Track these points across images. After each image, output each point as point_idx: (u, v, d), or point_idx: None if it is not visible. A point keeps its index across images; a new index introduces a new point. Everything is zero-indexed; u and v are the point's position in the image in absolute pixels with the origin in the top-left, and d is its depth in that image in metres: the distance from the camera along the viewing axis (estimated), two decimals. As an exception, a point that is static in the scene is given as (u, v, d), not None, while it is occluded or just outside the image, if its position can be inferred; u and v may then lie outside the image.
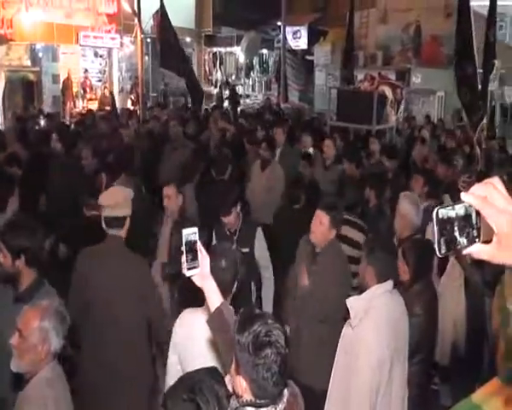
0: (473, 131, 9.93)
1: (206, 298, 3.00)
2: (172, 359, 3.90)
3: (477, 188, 1.41)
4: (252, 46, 28.69)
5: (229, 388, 2.61)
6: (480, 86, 10.06)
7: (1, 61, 20.07)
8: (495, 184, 1.41)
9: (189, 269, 2.82)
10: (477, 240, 1.42)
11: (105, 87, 24.06)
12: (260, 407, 2.45)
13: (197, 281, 2.92)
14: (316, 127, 15.03)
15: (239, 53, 29.53)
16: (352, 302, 4.08)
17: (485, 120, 10.43)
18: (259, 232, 6.18)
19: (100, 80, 24.66)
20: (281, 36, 26.14)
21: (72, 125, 14.58)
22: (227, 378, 2.68)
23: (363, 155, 10.09)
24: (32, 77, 21.38)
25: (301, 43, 28.72)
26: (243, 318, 2.47)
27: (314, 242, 5.15)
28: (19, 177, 7.62)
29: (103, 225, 4.81)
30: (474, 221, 1.41)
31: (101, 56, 24.58)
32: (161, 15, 13.88)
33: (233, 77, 30.51)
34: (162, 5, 13.71)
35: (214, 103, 23.92)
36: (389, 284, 4.16)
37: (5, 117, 19.52)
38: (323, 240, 5.10)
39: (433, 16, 21.90)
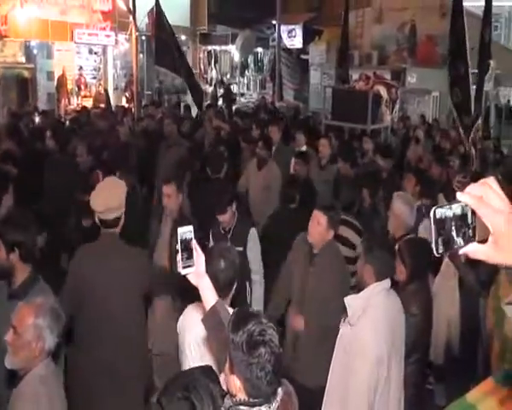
0: (463, 132, 9.93)
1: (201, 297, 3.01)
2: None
3: (473, 188, 1.42)
4: (247, 45, 28.62)
5: (224, 387, 2.61)
6: (473, 87, 10.07)
7: (-5, 58, 20.04)
8: (490, 184, 1.42)
9: (184, 267, 2.81)
10: (472, 240, 1.43)
11: (100, 84, 24.00)
12: (254, 406, 2.45)
13: (192, 279, 2.92)
14: (311, 126, 15.03)
15: (234, 51, 29.45)
16: (350, 301, 4.10)
17: (480, 121, 10.44)
18: (254, 233, 6.16)
19: (94, 78, 24.60)
20: (276, 35, 26.07)
21: (67, 123, 14.54)
22: (221, 377, 2.68)
23: (358, 154, 10.09)
24: (26, 74, 21.32)
25: (296, 42, 28.69)
26: (237, 317, 2.47)
27: (312, 243, 5.11)
28: (14, 174, 7.60)
29: (97, 223, 4.81)
30: (469, 221, 1.42)
31: (95, 53, 24.52)
32: (157, 13, 13.83)
33: (228, 75, 30.47)
34: (157, 3, 13.67)
35: (209, 102, 23.91)
36: (387, 282, 4.17)
37: (-1, 114, 19.47)
38: (321, 241, 5.07)
39: (428, 16, 21.92)
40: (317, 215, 5.03)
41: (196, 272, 2.87)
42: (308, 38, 27.95)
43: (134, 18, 16.66)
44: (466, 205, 1.41)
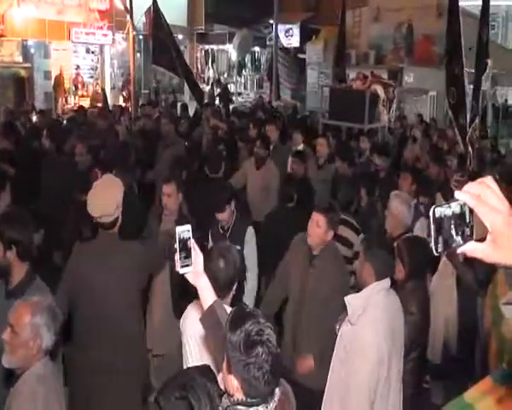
0: (459, 133, 9.92)
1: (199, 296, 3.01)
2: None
3: (471, 186, 1.42)
4: (244, 44, 28.64)
5: (222, 386, 2.61)
6: (470, 87, 10.07)
7: (-8, 57, 20.04)
8: (488, 183, 1.42)
9: (182, 267, 2.80)
10: (471, 238, 1.43)
11: (97, 84, 24.03)
12: (251, 405, 2.45)
13: (190, 279, 2.91)
14: (308, 125, 15.03)
15: (231, 51, 29.49)
16: (350, 300, 4.09)
17: (477, 120, 10.44)
18: (251, 233, 6.15)
19: (92, 77, 24.61)
20: (273, 34, 26.06)
21: (65, 122, 14.52)
22: (219, 377, 2.68)
23: (355, 153, 10.09)
24: (23, 73, 21.33)
25: (293, 41, 28.75)
26: (235, 316, 2.47)
27: (311, 244, 5.03)
28: (11, 173, 7.58)
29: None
30: (467, 219, 1.42)
31: (93, 52, 24.53)
32: (154, 12, 13.80)
33: (225, 75, 30.49)
34: (155, 2, 13.65)
35: (206, 101, 23.87)
36: (387, 281, 4.17)
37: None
38: (321, 242, 5.00)
39: (425, 15, 21.95)
40: (317, 217, 4.94)
41: (194, 271, 2.86)
42: (305, 37, 28.01)
43: (131, 17, 16.62)
44: (464, 204, 1.41)
